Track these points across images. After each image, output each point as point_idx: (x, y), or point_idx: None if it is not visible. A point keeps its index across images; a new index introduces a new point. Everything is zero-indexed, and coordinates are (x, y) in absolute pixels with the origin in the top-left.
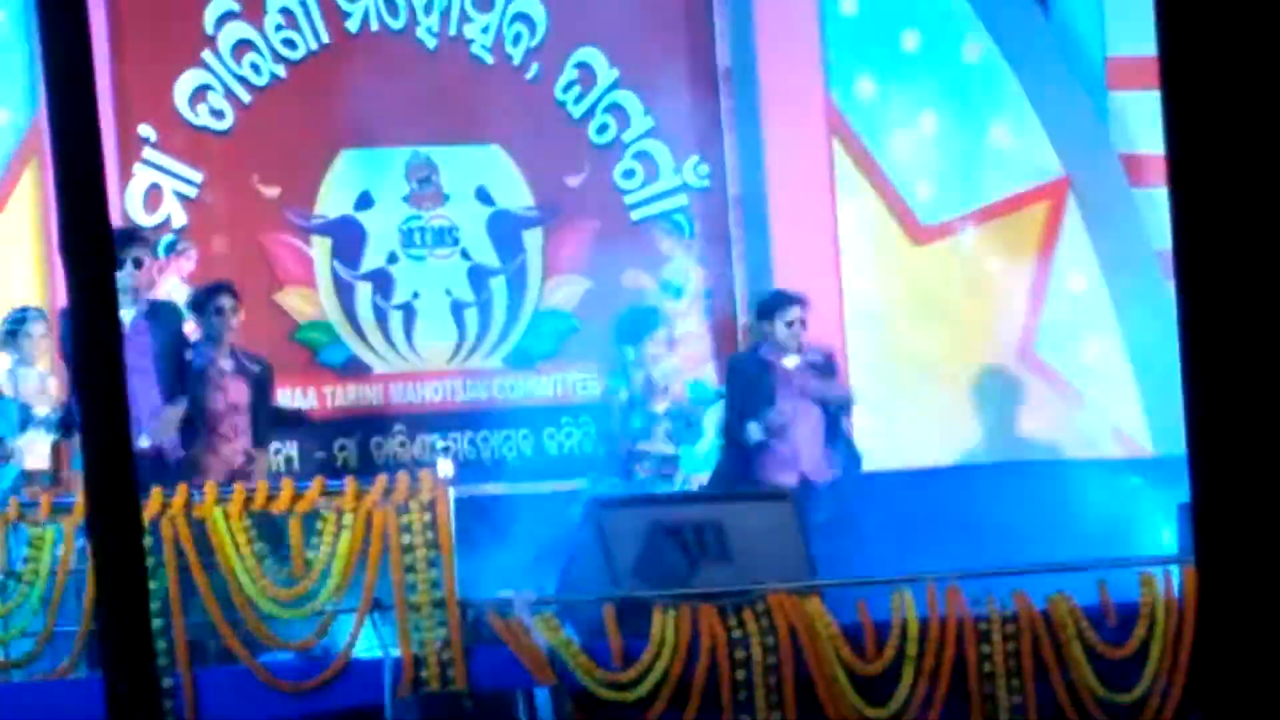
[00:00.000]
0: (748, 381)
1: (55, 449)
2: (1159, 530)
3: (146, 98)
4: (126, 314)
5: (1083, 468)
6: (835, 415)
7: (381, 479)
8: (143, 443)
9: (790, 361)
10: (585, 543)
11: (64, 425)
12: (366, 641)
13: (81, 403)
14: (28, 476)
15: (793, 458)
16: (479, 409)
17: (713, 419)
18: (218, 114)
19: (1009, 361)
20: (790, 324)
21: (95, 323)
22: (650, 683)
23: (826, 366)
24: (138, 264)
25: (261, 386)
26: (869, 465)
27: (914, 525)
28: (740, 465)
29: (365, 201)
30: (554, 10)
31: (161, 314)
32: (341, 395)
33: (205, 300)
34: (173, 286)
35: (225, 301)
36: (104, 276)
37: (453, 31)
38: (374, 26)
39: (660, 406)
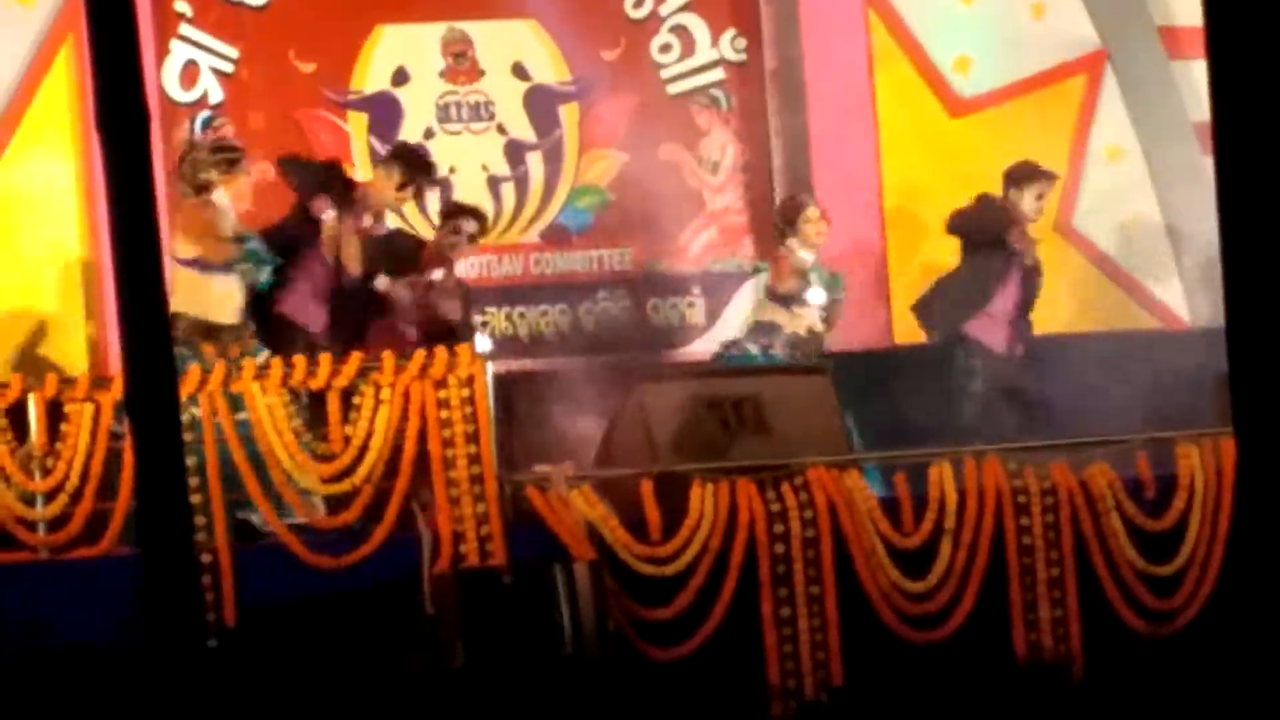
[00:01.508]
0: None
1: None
2: (1197, 402)
3: None
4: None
5: (1119, 340)
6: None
7: (419, 354)
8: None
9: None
10: (624, 416)
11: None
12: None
13: (118, 279)
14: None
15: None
16: (515, 284)
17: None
18: None
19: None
20: (1040, 197)
21: (130, 197)
22: (688, 557)
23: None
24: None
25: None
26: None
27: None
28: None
29: (401, 77)
30: None
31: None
32: None
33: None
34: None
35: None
36: (139, 152)
37: None
38: None
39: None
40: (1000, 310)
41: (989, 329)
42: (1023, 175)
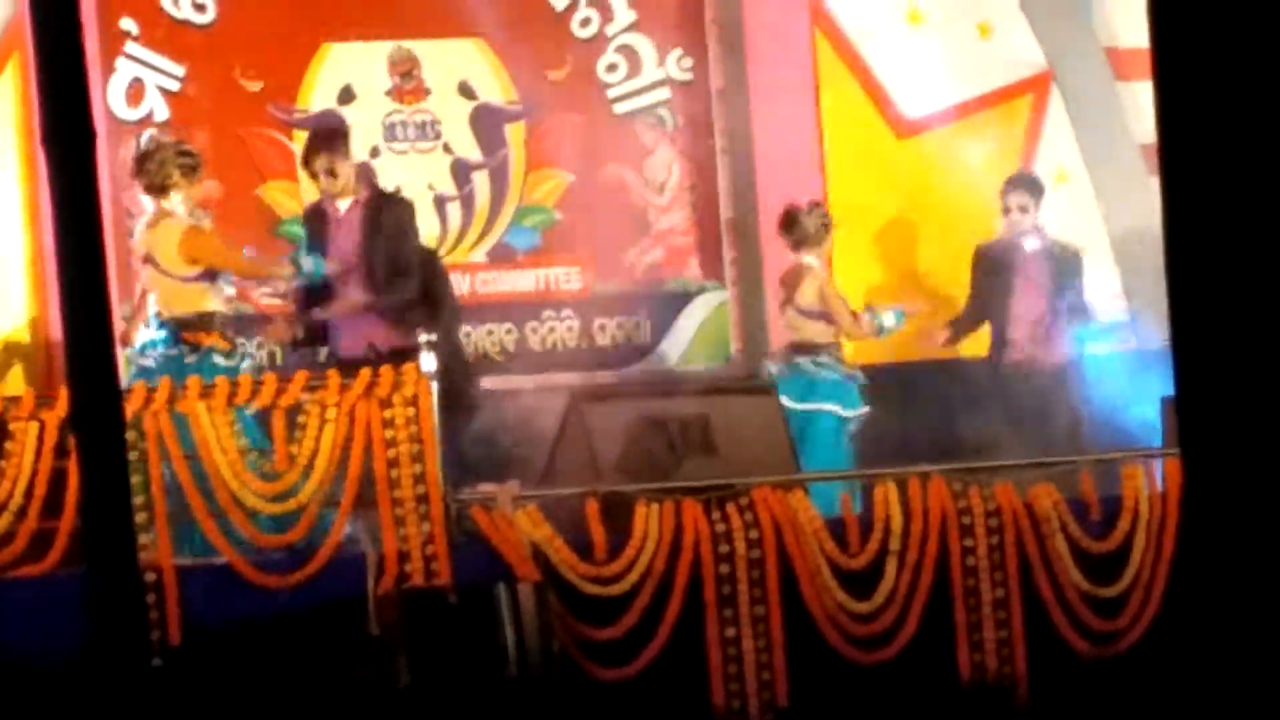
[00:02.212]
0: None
1: None
2: (1142, 423)
3: None
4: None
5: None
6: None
7: (365, 373)
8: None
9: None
10: (568, 436)
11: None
12: (349, 537)
13: (62, 295)
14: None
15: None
16: (461, 303)
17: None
18: (200, 7)
19: None
20: (1024, 209)
21: (76, 215)
22: (633, 577)
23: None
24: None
25: None
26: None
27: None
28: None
29: (348, 95)
30: None
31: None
32: None
33: None
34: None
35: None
36: (85, 169)
37: None
38: None
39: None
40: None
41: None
42: (1008, 183)
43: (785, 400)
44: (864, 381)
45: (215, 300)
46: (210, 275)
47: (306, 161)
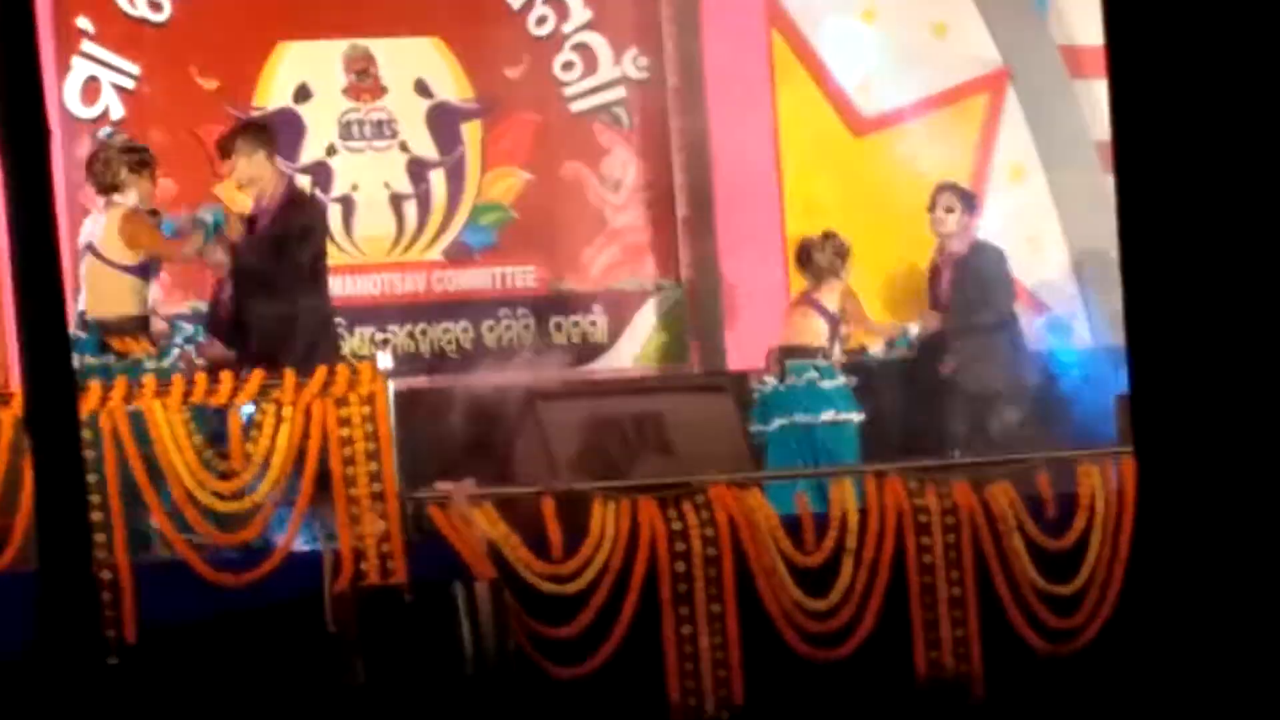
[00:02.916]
0: None
1: None
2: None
3: None
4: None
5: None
6: None
7: (321, 371)
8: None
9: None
10: (524, 434)
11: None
12: (305, 535)
13: (17, 294)
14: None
15: None
16: (417, 301)
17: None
18: (155, 6)
19: None
20: (949, 210)
21: (31, 214)
22: (589, 575)
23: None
24: (270, 155)
25: None
26: None
27: None
28: None
29: (304, 94)
30: None
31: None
32: None
33: None
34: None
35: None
36: (39, 167)
37: None
38: None
39: None
40: None
41: None
42: (935, 192)
43: (799, 417)
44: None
45: (141, 303)
46: (144, 270)
47: (222, 157)
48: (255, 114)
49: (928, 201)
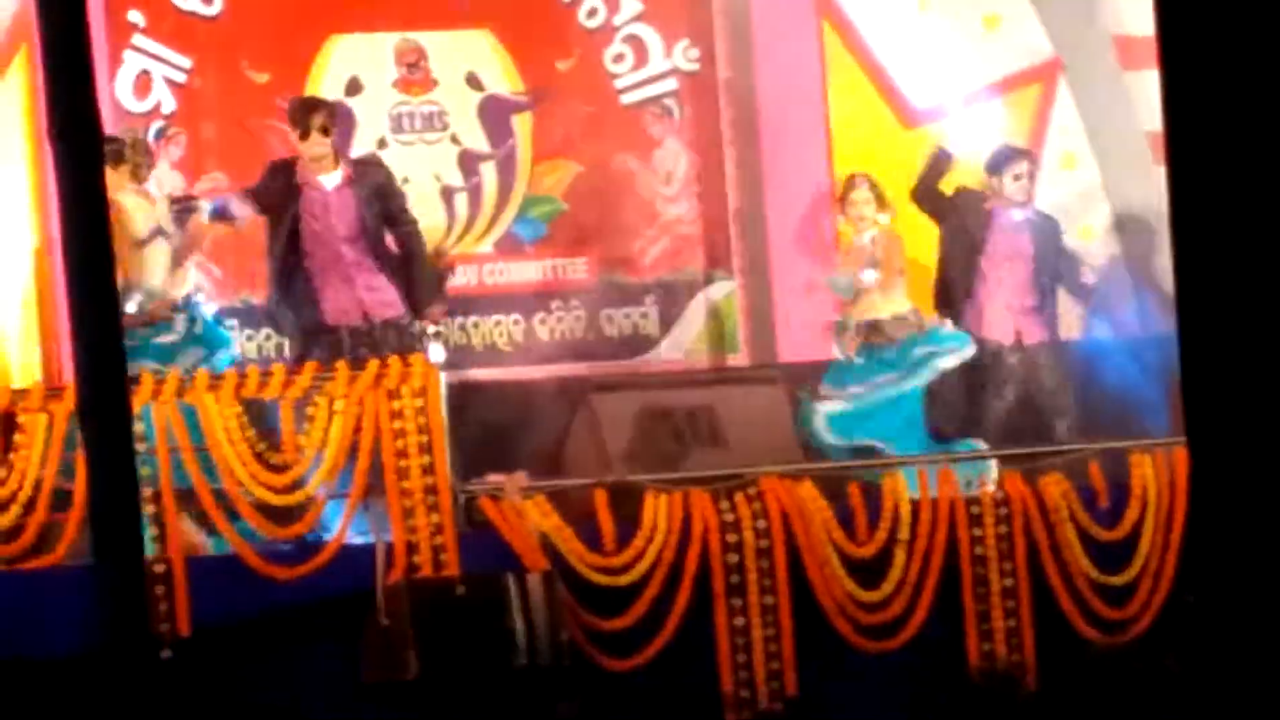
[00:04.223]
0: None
1: None
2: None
3: None
4: (328, 179)
5: (1074, 348)
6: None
7: (373, 364)
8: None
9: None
10: (577, 427)
11: None
12: (358, 528)
13: (69, 288)
14: None
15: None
16: (468, 294)
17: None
18: None
19: None
20: (1018, 178)
21: (83, 208)
22: (642, 567)
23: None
24: (325, 131)
25: None
26: None
27: None
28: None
29: (355, 87)
30: None
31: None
32: None
33: None
34: (163, 174)
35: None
36: (92, 162)
37: None
38: None
39: None
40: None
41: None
42: (998, 159)
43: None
44: None
45: (130, 305)
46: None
47: (305, 115)
48: None
49: (994, 174)
